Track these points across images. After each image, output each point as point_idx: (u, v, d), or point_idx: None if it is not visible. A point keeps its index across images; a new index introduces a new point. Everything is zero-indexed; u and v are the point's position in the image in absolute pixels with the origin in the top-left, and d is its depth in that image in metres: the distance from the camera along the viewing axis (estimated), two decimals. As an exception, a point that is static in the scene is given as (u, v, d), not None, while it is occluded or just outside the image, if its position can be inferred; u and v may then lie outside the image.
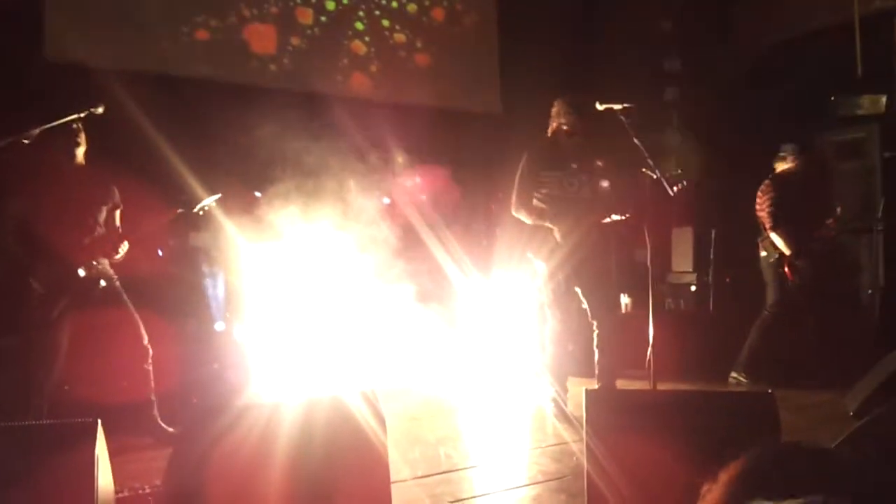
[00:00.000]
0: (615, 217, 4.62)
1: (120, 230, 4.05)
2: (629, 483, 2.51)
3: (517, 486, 3.47)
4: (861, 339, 6.03)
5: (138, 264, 4.67)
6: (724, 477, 0.68)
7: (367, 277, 5.34)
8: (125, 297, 3.98)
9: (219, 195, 4.20)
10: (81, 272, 3.79)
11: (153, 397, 4.03)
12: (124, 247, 3.94)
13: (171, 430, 3.97)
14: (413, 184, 6.60)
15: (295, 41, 7.00)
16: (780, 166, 5.77)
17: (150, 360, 3.98)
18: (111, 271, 3.99)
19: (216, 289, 5.18)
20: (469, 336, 5.96)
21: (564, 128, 4.63)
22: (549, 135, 4.74)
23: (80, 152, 3.86)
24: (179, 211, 4.06)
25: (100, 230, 3.96)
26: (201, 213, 4.14)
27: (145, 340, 3.98)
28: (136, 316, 3.97)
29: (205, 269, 5.16)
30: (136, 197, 4.15)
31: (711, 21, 7.91)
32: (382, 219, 5.47)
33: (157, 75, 5.96)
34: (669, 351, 4.89)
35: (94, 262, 3.89)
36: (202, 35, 6.52)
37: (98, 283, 3.90)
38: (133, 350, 3.95)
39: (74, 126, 3.70)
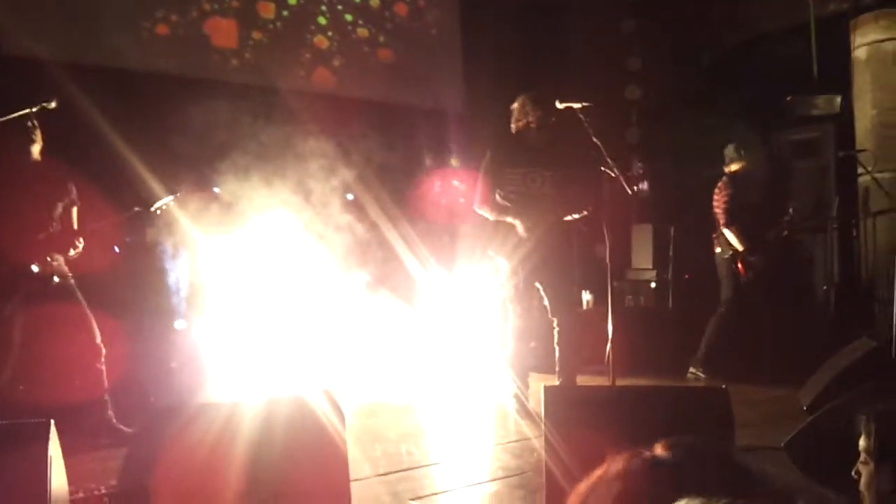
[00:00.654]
0: (575, 215, 4.65)
1: (76, 228, 3.98)
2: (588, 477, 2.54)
3: (477, 482, 3.49)
4: (816, 335, 6.15)
5: (94, 261, 4.60)
6: (620, 469, 0.68)
7: (327, 274, 5.32)
8: (79, 294, 3.91)
9: (176, 194, 4.13)
10: (35, 268, 3.71)
11: (106, 397, 3.95)
12: (80, 244, 3.87)
13: (126, 429, 3.89)
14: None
15: (256, 35, 6.93)
16: (729, 168, 5.92)
17: (102, 360, 3.91)
18: (66, 268, 3.91)
19: (177, 286, 5.11)
20: (431, 332, 5.96)
21: (532, 124, 4.63)
22: (513, 132, 4.74)
23: (36, 150, 3.79)
24: (136, 209, 3.98)
25: (55, 227, 3.89)
26: (158, 212, 4.07)
27: (98, 339, 3.91)
28: (90, 314, 3.90)
29: (166, 265, 5.09)
30: (92, 194, 4.08)
31: (672, 21, 8.00)
32: (345, 214, 5.46)
33: (115, 70, 5.87)
34: (629, 347, 4.95)
35: (49, 259, 3.81)
36: (163, 30, 6.42)
37: (52, 279, 3.82)
38: (86, 349, 3.88)
39: (30, 123, 3.63)
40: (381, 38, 7.65)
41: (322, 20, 7.34)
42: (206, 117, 5.25)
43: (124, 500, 2.73)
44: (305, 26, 7.22)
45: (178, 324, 5.14)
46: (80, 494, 3.08)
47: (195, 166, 5.27)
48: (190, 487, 2.48)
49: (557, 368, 4.65)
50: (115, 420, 3.94)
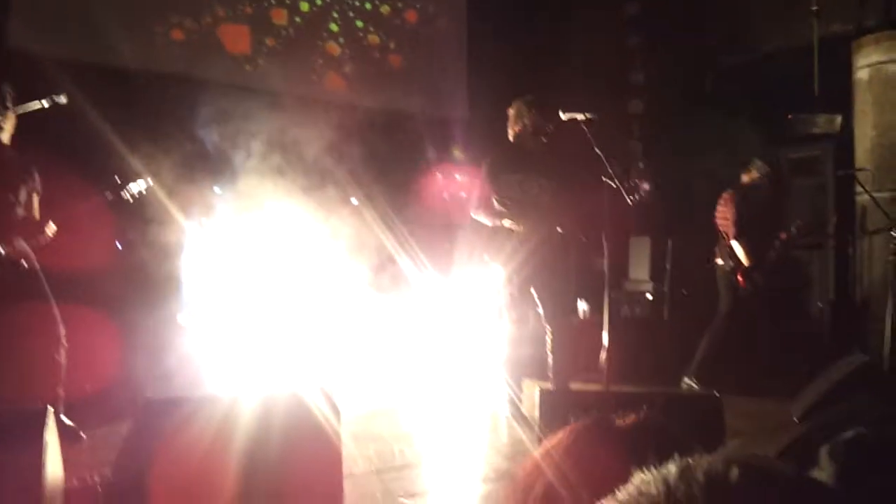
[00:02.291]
0: (564, 227, 4.69)
1: (36, 215, 3.87)
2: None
3: (469, 483, 3.51)
4: (810, 350, 6.17)
5: (96, 258, 4.62)
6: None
7: (328, 274, 5.35)
8: (44, 283, 3.77)
9: (148, 182, 4.00)
10: (1, 250, 3.62)
11: (60, 391, 3.76)
12: (50, 229, 3.78)
13: (72, 425, 3.77)
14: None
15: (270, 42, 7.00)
16: (746, 178, 5.91)
17: (62, 352, 3.75)
18: (32, 254, 3.78)
19: (179, 281, 5.13)
20: (428, 335, 5.99)
21: (528, 128, 4.65)
22: (511, 139, 4.78)
23: (6, 136, 3.71)
24: (106, 194, 3.85)
25: (20, 211, 3.78)
26: (131, 199, 3.91)
27: (61, 330, 3.77)
28: (53, 304, 3.76)
29: (174, 262, 5.09)
30: (76, 185, 4.00)
31: (675, 37, 8.07)
32: (348, 217, 5.49)
33: (134, 72, 5.92)
34: (624, 356, 4.98)
35: (14, 242, 3.69)
36: (177, 35, 6.48)
37: (19, 263, 3.70)
38: (45, 338, 3.72)
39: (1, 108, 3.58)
40: (392, 45, 7.73)
41: (334, 27, 7.43)
42: (214, 118, 5.31)
43: (118, 491, 2.75)
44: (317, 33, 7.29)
45: (180, 318, 5.15)
46: (74, 482, 3.10)
47: (196, 166, 5.31)
48: (184, 480, 2.50)
49: (551, 375, 4.67)
50: (63, 415, 3.72)
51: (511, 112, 4.75)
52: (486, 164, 4.71)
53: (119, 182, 3.87)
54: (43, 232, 3.78)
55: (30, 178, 3.84)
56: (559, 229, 4.68)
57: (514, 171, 4.64)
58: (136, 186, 3.95)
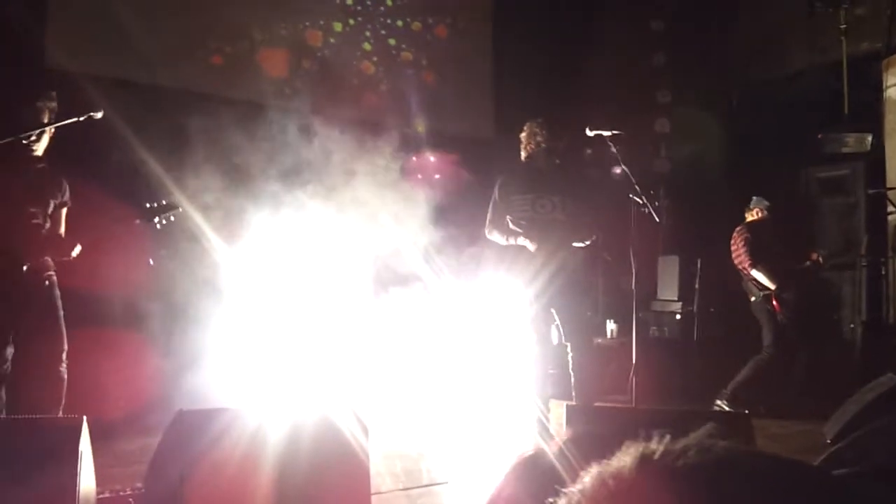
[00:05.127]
0: (583, 242, 4.66)
1: (62, 229, 3.89)
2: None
3: (497, 501, 3.49)
4: (842, 372, 6.09)
5: (130, 274, 4.68)
6: None
7: (356, 291, 5.38)
8: (58, 298, 3.78)
9: (178, 208, 4.03)
10: (25, 267, 3.64)
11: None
12: (76, 250, 3.78)
13: None
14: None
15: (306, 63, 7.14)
16: (749, 216, 6.07)
17: (63, 367, 3.73)
18: (53, 270, 3.79)
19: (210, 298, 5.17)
20: (456, 354, 5.99)
21: (542, 144, 4.66)
22: (523, 159, 4.78)
23: (40, 149, 3.74)
24: (136, 222, 3.88)
25: (46, 225, 3.78)
26: (159, 226, 3.94)
27: (65, 346, 3.76)
28: (62, 320, 3.77)
29: (204, 278, 5.13)
30: (107, 203, 4.03)
31: (702, 55, 8.07)
32: (371, 233, 5.52)
33: (179, 90, 6.04)
34: (653, 377, 4.94)
35: (38, 259, 3.71)
36: (218, 60, 6.66)
37: (40, 280, 3.72)
38: (52, 353, 3.73)
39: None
40: (424, 62, 7.85)
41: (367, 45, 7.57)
42: (241, 136, 5.39)
43: (150, 503, 2.77)
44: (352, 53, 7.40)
45: (212, 336, 5.18)
46: (106, 494, 3.14)
47: (229, 184, 5.38)
48: (215, 492, 2.53)
49: (573, 393, 4.60)
50: None
51: (523, 135, 4.77)
52: (498, 186, 4.72)
53: (150, 208, 3.89)
54: (69, 254, 3.77)
55: (58, 191, 3.86)
56: (577, 244, 4.65)
57: (525, 191, 4.63)
58: (166, 215, 3.94)
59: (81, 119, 3.61)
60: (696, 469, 0.55)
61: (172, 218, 4.00)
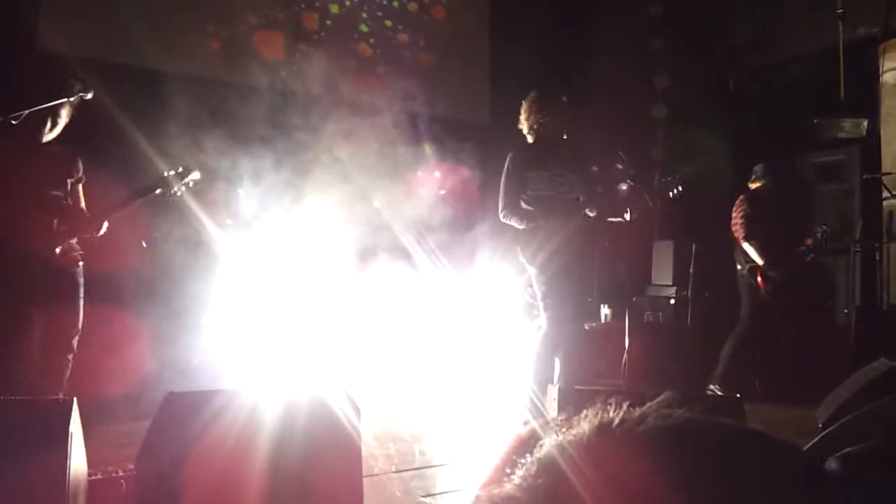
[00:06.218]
0: (621, 217, 4.50)
1: (83, 204, 3.87)
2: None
3: (489, 483, 3.49)
4: (836, 357, 6.10)
5: (123, 257, 4.66)
6: None
7: (349, 275, 5.37)
8: (81, 288, 3.78)
9: (194, 173, 3.99)
10: (58, 250, 3.64)
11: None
12: (104, 227, 3.78)
13: None
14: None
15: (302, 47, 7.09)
16: (752, 185, 6.04)
17: (70, 356, 3.73)
18: (80, 261, 3.79)
19: (203, 280, 5.16)
20: (451, 336, 5.99)
21: (544, 118, 4.53)
22: (529, 136, 4.64)
23: (56, 130, 3.72)
24: (157, 191, 3.86)
25: (67, 203, 3.78)
26: (178, 194, 3.91)
27: (77, 327, 3.75)
28: (81, 310, 3.76)
29: (198, 260, 5.11)
30: (116, 181, 4.04)
31: (698, 41, 8.03)
32: (371, 219, 5.51)
33: (175, 75, 6.01)
34: (647, 362, 4.95)
35: (66, 248, 3.70)
36: (215, 45, 6.62)
37: (67, 270, 3.71)
38: (64, 339, 3.73)
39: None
40: (421, 43, 7.80)
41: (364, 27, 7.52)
42: (242, 118, 5.37)
43: (141, 484, 2.77)
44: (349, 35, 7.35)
45: (205, 318, 5.17)
46: (98, 475, 3.14)
47: (223, 166, 5.35)
48: (207, 473, 2.52)
49: (557, 377, 4.51)
50: None
51: (522, 114, 4.63)
52: (510, 162, 4.55)
53: (169, 176, 3.87)
54: (98, 231, 3.77)
55: (74, 169, 3.83)
56: (614, 219, 4.53)
57: (538, 167, 4.47)
58: (185, 182, 3.92)
59: (72, 99, 3.58)
60: (654, 435, 0.56)
61: (191, 183, 3.97)
